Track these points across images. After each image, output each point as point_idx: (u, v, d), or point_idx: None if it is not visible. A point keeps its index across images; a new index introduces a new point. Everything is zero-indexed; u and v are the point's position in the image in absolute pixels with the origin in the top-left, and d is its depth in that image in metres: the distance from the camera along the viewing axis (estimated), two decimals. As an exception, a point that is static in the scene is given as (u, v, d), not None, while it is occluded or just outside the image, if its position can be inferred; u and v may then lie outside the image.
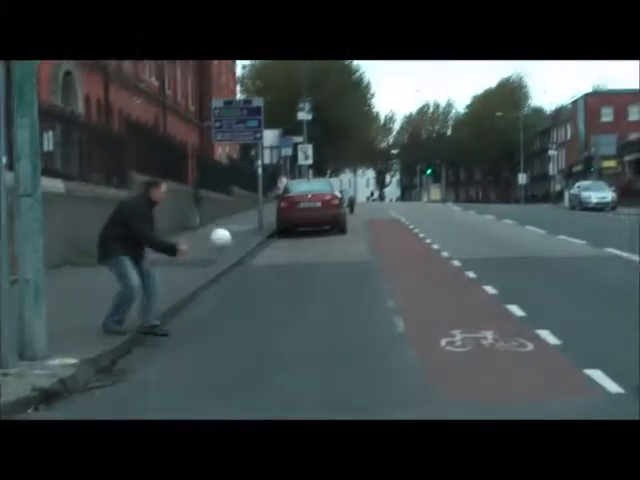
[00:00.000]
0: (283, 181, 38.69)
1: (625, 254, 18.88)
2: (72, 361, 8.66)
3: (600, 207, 47.62)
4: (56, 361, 8.65)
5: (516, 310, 11.72)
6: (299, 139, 50.14)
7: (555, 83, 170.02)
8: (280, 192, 34.75)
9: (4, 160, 8.61)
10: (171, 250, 11.15)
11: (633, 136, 75.30)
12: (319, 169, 72.19)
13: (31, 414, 7.38)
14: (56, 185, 16.51)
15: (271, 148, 42.04)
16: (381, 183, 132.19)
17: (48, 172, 15.48)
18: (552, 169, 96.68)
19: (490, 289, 13.80)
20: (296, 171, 52.67)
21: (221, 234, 12.24)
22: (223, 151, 53.21)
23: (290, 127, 56.34)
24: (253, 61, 76.32)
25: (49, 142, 16.77)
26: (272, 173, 40.21)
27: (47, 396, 7.74)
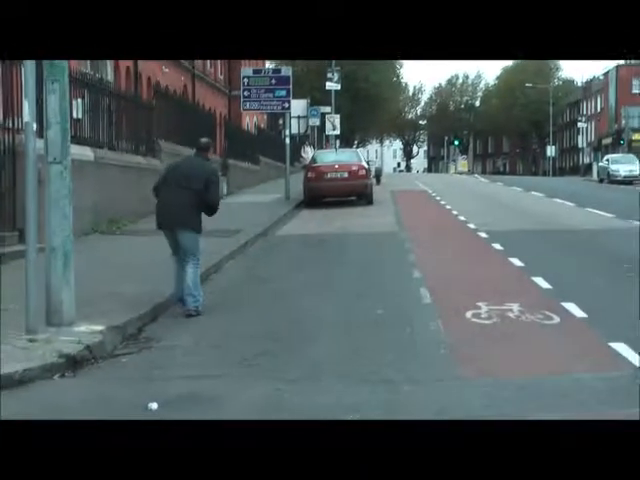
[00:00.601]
0: (307, 151, 38.60)
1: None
2: (99, 328, 8.72)
3: (629, 180, 47.26)
4: (83, 328, 8.71)
5: (542, 282, 11.69)
6: (327, 109, 49.99)
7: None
8: (305, 162, 34.68)
9: (35, 127, 8.62)
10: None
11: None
12: (347, 139, 72.10)
13: (57, 381, 7.46)
14: (85, 153, 16.56)
15: (299, 118, 41.93)
16: (408, 154, 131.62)
17: (77, 140, 15.55)
18: (581, 141, 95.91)
19: (516, 261, 13.76)
20: (323, 141, 52.56)
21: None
22: (251, 120, 53.18)
23: (318, 97, 56.23)
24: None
25: (78, 109, 16.79)
26: (300, 143, 40.10)
27: (74, 362, 7.80)
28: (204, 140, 11.19)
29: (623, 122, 73.34)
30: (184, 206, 10.35)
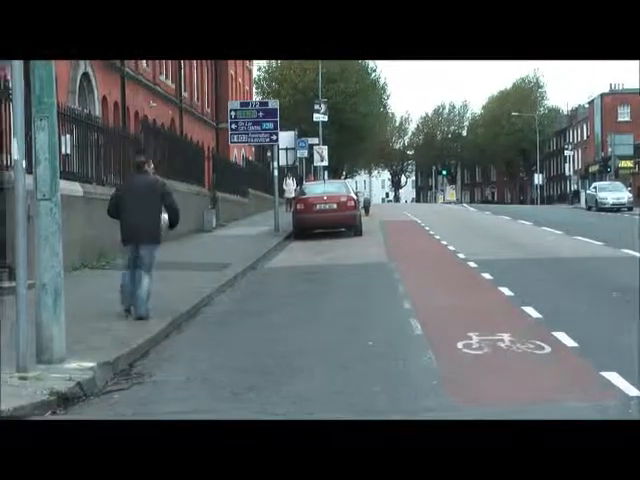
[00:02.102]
0: (289, 183, 38.73)
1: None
2: (90, 365, 8.68)
3: (617, 208, 47.48)
4: (74, 365, 8.67)
5: (532, 312, 11.71)
6: (315, 140, 50.04)
7: (572, 83, 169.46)
8: (287, 195, 34.78)
9: (24, 164, 8.63)
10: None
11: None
12: (335, 170, 72.23)
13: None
14: (74, 188, 16.56)
15: (287, 149, 41.87)
16: (396, 184, 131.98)
17: (66, 175, 15.56)
18: (568, 169, 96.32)
19: (506, 290, 13.78)
20: (313, 172, 52.61)
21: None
22: (239, 152, 53.30)
23: (306, 128, 56.36)
24: (269, 62, 76.50)
25: (67, 145, 16.82)
26: (283, 175, 40.31)
27: (65, 400, 7.76)
28: (139, 159, 12.33)
29: (609, 150, 73.58)
30: (146, 221, 11.59)
